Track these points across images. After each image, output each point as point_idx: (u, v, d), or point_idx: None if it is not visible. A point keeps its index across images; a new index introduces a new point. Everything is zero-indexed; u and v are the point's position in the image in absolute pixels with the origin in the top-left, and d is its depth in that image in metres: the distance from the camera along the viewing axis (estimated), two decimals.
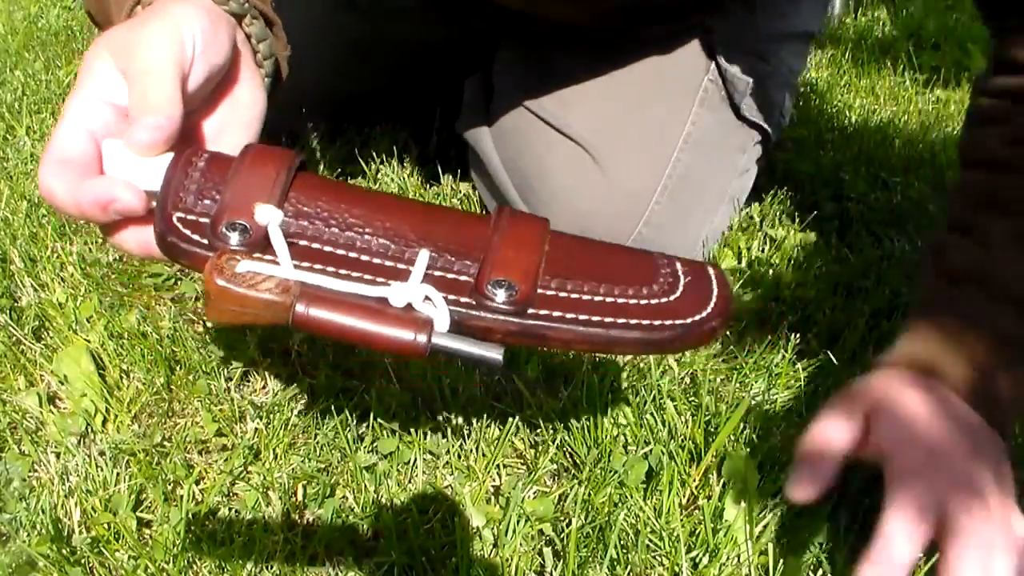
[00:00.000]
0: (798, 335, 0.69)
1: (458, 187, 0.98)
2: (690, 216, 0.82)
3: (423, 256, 0.40)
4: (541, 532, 0.57)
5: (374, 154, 1.00)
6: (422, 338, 0.37)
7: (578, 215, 0.78)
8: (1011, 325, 0.53)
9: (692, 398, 0.66)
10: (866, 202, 0.93)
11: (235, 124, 0.48)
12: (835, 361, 0.67)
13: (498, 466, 0.62)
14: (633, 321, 0.41)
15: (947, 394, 0.51)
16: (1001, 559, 0.45)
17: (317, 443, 0.63)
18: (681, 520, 0.56)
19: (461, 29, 0.90)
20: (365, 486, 0.59)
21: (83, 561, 0.55)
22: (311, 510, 0.58)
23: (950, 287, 0.56)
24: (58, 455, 0.62)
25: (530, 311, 0.40)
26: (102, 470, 0.60)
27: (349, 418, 0.63)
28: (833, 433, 0.50)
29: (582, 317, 0.40)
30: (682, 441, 0.62)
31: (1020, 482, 0.51)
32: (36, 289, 0.78)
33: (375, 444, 0.63)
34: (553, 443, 0.62)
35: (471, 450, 0.62)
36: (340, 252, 0.41)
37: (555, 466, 0.62)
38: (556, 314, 0.40)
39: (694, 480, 0.59)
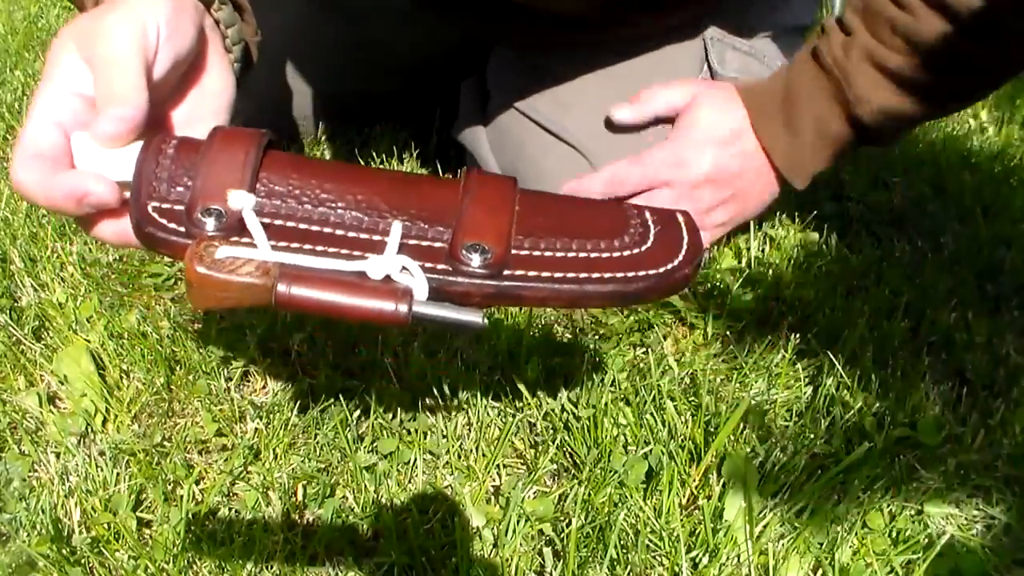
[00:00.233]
0: (798, 335, 0.69)
1: None
2: None
3: (396, 227, 0.41)
4: (541, 532, 0.57)
5: (374, 154, 0.99)
6: (403, 308, 0.38)
7: None
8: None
9: (692, 398, 0.66)
10: (866, 202, 0.93)
11: (205, 111, 0.48)
12: (835, 361, 0.67)
13: (498, 466, 0.62)
14: (607, 275, 0.41)
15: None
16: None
17: (317, 443, 0.63)
18: (681, 520, 0.56)
19: (454, 30, 0.90)
20: (365, 486, 0.59)
21: (83, 561, 0.55)
22: (311, 510, 0.58)
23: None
24: (58, 455, 0.62)
25: (505, 272, 0.40)
26: (102, 470, 0.60)
27: (349, 418, 0.63)
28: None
29: (557, 275, 0.41)
30: (682, 441, 0.62)
31: None
32: (36, 289, 0.78)
33: (375, 444, 0.63)
34: (553, 443, 0.62)
35: (471, 450, 0.62)
36: (315, 228, 0.41)
37: (555, 466, 0.62)
38: (531, 273, 0.41)
39: (694, 480, 0.59)
